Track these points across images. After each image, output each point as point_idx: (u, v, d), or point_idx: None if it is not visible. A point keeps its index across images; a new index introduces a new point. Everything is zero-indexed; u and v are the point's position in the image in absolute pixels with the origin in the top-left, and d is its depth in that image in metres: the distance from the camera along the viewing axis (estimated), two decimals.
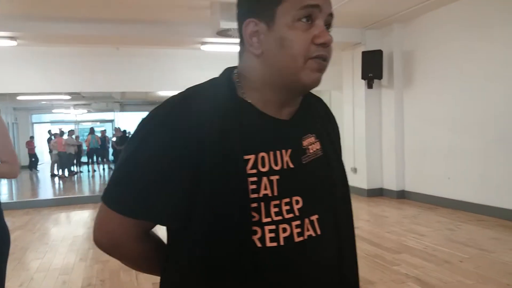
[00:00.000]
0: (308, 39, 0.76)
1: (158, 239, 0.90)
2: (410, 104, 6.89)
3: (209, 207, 0.74)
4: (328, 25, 0.79)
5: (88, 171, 14.51)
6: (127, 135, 15.13)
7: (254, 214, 0.76)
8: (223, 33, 5.41)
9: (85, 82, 7.62)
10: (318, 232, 0.82)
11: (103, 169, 15.56)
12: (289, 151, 0.82)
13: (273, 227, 0.77)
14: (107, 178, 13.13)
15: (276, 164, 0.79)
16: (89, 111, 18.55)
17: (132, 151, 0.77)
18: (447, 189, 6.15)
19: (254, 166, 0.77)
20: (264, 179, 0.77)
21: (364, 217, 5.88)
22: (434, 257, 3.93)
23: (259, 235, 0.76)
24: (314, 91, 0.88)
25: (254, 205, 0.76)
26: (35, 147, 15.76)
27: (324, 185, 0.86)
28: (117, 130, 15.59)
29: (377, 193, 7.36)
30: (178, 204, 0.76)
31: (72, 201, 8.25)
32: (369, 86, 7.05)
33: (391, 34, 6.91)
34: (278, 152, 0.80)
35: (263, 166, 0.78)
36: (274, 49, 0.77)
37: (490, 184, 5.43)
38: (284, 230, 0.78)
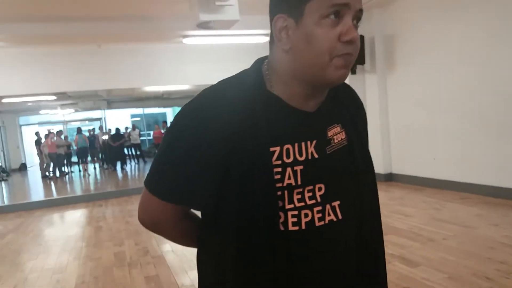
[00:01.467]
0: (334, 36, 0.76)
1: (195, 217, 0.98)
2: (393, 87, 6.98)
3: (238, 196, 0.81)
4: (357, 19, 0.79)
5: (79, 170, 14.46)
6: (121, 133, 15.18)
7: (278, 201, 0.82)
8: (203, 25, 5.40)
9: (69, 82, 7.59)
10: (340, 217, 0.87)
11: (94, 168, 15.53)
12: (314, 142, 0.85)
13: (295, 212, 0.83)
14: (98, 177, 13.13)
15: (301, 155, 0.83)
16: (76, 110, 18.42)
17: (169, 144, 0.84)
18: (432, 170, 6.27)
19: (279, 157, 0.82)
20: (288, 170, 0.82)
21: None
22: (419, 236, 4.04)
23: (282, 219, 0.82)
24: None
25: (278, 193, 0.82)
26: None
27: (348, 173, 0.90)
28: (103, 130, 15.75)
29: None
30: (212, 192, 0.83)
31: (64, 202, 8.28)
32: (353, 72, 7.10)
33: (371, 19, 6.94)
34: (303, 144, 0.84)
35: (288, 157, 0.82)
36: (301, 45, 0.78)
37: (472, 162, 5.55)
38: (306, 215, 0.84)
